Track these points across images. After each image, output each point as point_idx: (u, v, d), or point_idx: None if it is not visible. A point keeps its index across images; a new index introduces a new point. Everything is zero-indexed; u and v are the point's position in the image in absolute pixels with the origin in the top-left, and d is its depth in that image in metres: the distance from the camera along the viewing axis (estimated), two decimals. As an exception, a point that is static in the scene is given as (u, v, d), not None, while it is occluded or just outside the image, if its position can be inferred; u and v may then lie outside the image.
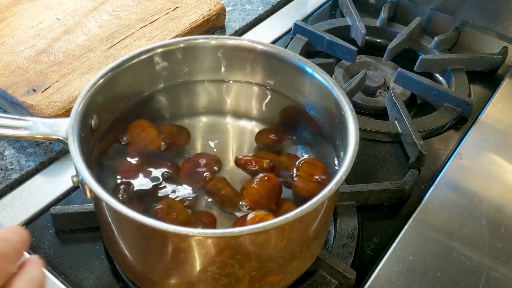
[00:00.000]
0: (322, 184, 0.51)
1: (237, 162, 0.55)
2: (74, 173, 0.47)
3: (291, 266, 0.50)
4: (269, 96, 0.61)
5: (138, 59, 0.55)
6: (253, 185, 0.51)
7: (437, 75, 0.86)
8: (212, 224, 0.50)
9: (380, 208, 0.64)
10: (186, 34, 0.79)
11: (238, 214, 0.51)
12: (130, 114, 0.57)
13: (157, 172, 0.53)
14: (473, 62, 0.85)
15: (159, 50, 0.57)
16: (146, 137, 0.55)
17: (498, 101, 0.79)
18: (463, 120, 0.77)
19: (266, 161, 0.54)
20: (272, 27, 0.91)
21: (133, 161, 0.54)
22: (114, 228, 0.47)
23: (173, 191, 0.52)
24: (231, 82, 0.62)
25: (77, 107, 0.49)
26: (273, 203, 0.50)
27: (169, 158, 0.55)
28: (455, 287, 0.55)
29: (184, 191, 0.52)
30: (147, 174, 0.53)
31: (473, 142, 0.72)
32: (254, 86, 0.62)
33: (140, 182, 0.52)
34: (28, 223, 0.59)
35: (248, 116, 0.62)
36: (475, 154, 0.71)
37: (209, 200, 0.52)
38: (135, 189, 0.52)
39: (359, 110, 0.79)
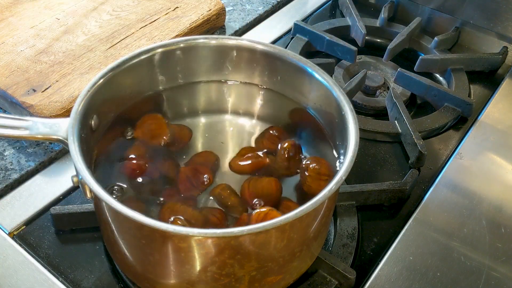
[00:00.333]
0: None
1: (231, 167, 0.55)
2: (74, 173, 0.47)
3: (291, 266, 0.50)
4: (269, 96, 0.61)
5: (138, 59, 0.55)
6: (250, 186, 0.51)
7: (437, 75, 0.86)
8: (223, 220, 0.50)
9: (380, 208, 0.64)
10: (186, 34, 0.79)
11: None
12: (130, 114, 0.57)
13: (158, 171, 0.53)
14: (473, 62, 0.85)
15: (159, 50, 0.57)
16: (156, 129, 0.56)
17: (498, 101, 0.79)
18: (463, 120, 0.77)
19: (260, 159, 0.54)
20: (272, 27, 0.91)
21: (136, 156, 0.54)
22: (114, 228, 0.47)
23: (174, 192, 0.52)
24: (231, 82, 0.62)
25: (77, 107, 0.49)
26: (271, 202, 0.51)
27: (170, 157, 0.55)
28: (455, 287, 0.55)
29: (185, 192, 0.52)
30: (149, 173, 0.53)
31: (473, 142, 0.72)
32: (253, 86, 0.62)
33: (142, 181, 0.53)
34: (28, 223, 0.59)
35: (247, 117, 0.62)
36: (475, 154, 0.71)
37: (211, 198, 0.52)
38: (137, 186, 0.52)
39: (359, 110, 0.79)
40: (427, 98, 0.79)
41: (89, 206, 0.58)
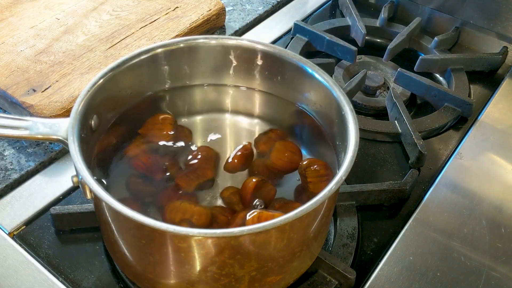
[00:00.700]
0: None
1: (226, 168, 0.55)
2: (74, 173, 0.47)
3: (291, 266, 0.50)
4: (269, 97, 0.61)
5: (138, 59, 0.55)
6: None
7: (437, 75, 0.86)
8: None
9: (380, 208, 0.64)
10: (186, 34, 0.79)
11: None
12: (130, 114, 0.57)
13: (159, 170, 0.53)
14: (473, 62, 0.85)
15: (159, 50, 0.57)
16: (162, 129, 0.56)
17: (498, 101, 0.79)
18: (463, 120, 0.77)
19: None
20: (272, 27, 0.91)
21: (138, 153, 0.54)
22: (114, 228, 0.47)
23: (175, 190, 0.52)
24: (230, 82, 0.62)
25: (77, 107, 0.49)
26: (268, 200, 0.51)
27: (171, 157, 0.55)
28: (455, 287, 0.55)
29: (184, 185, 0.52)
30: (150, 171, 0.53)
31: (473, 142, 0.72)
32: (253, 87, 0.62)
33: (142, 180, 0.53)
34: (28, 223, 0.59)
35: (247, 117, 0.62)
36: (475, 154, 0.71)
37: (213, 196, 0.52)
38: (137, 185, 0.52)
39: (359, 110, 0.79)
40: (427, 98, 0.79)
41: (89, 206, 0.58)
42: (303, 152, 0.57)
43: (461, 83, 0.81)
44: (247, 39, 0.59)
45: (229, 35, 0.87)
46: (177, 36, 0.78)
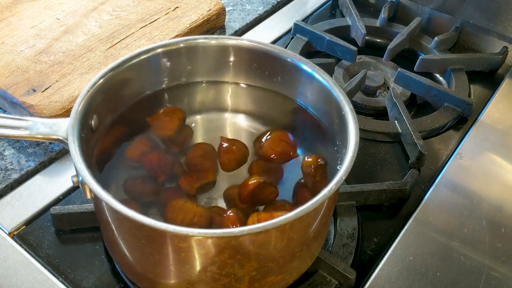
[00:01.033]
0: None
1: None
2: (74, 173, 0.47)
3: (291, 266, 0.50)
4: (269, 96, 0.61)
5: (138, 59, 0.55)
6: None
7: (437, 75, 0.86)
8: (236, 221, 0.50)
9: (380, 208, 0.64)
10: (186, 34, 0.79)
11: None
12: (130, 114, 0.57)
13: (163, 169, 0.53)
14: (473, 62, 0.85)
15: (159, 50, 0.57)
16: (169, 121, 0.56)
17: (498, 101, 0.79)
18: (463, 120, 0.77)
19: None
20: (272, 27, 0.91)
21: (143, 148, 0.55)
22: (114, 228, 0.47)
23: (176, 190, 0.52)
24: (231, 82, 0.62)
25: (77, 107, 0.49)
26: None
27: (174, 155, 0.55)
28: (455, 287, 0.55)
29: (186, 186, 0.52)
30: (152, 168, 0.53)
31: (473, 142, 0.72)
32: (253, 86, 0.62)
33: (142, 179, 0.53)
34: (28, 223, 0.59)
35: (247, 116, 0.62)
36: (475, 154, 0.71)
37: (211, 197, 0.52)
38: (138, 184, 0.52)
39: (359, 110, 0.79)
40: (427, 98, 0.79)
41: (89, 206, 0.58)
42: (303, 151, 0.57)
43: (461, 83, 0.81)
44: (247, 39, 0.59)
45: (229, 35, 0.87)
46: (177, 36, 0.78)
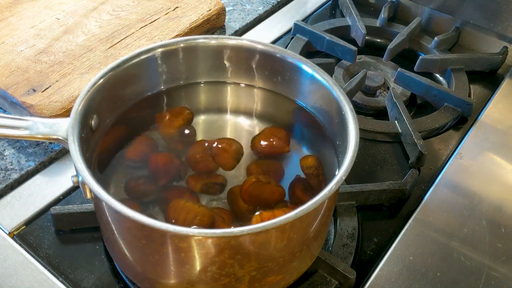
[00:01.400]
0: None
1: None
2: (74, 173, 0.47)
3: (291, 266, 0.50)
4: (269, 96, 0.61)
5: (138, 59, 0.55)
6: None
7: (437, 75, 0.86)
8: (229, 221, 0.50)
9: (380, 208, 0.64)
10: (186, 34, 0.79)
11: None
12: (130, 114, 0.57)
13: (167, 170, 0.53)
14: (473, 62, 0.85)
15: (159, 50, 0.57)
16: (176, 121, 0.57)
17: (498, 101, 0.79)
18: (463, 120, 0.77)
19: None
20: (272, 27, 0.91)
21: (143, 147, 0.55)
22: (114, 228, 0.47)
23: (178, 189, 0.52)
24: (230, 82, 0.62)
25: (77, 107, 0.49)
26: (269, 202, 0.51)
27: (179, 158, 0.55)
28: (455, 287, 0.55)
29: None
30: (158, 169, 0.53)
31: (473, 142, 0.72)
32: (253, 87, 0.62)
33: (143, 177, 0.53)
34: (28, 223, 0.59)
35: (247, 117, 0.62)
36: (475, 154, 0.71)
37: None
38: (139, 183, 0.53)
39: (359, 110, 0.79)
40: (427, 98, 0.79)
41: (89, 206, 0.58)
42: (303, 151, 0.57)
43: (461, 83, 0.81)
44: (247, 39, 0.59)
45: (229, 35, 0.87)
46: (177, 36, 0.78)
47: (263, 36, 0.89)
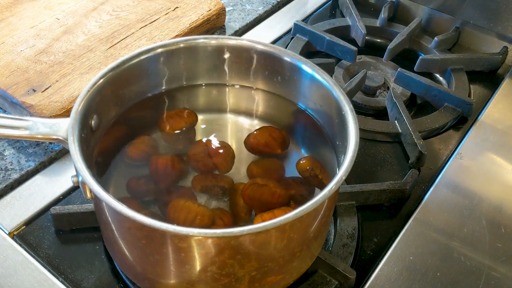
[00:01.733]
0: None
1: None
2: (74, 173, 0.47)
3: (291, 266, 0.50)
4: (269, 97, 0.61)
5: (138, 59, 0.55)
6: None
7: (437, 75, 0.86)
8: (229, 223, 0.50)
9: (380, 208, 0.64)
10: (186, 34, 0.79)
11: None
12: (130, 114, 0.57)
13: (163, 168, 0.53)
14: (473, 62, 0.85)
15: (159, 50, 0.57)
16: (180, 122, 0.58)
17: (498, 101, 0.79)
18: (463, 120, 0.77)
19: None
20: (272, 27, 0.91)
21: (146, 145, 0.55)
22: (114, 228, 0.47)
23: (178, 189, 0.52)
24: (230, 82, 0.62)
25: (77, 107, 0.49)
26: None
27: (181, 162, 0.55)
28: (455, 287, 0.55)
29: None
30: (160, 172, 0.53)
31: (473, 142, 0.72)
32: (253, 87, 0.62)
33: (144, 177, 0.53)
34: (28, 223, 0.59)
35: (247, 117, 0.62)
36: (475, 154, 0.71)
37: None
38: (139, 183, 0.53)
39: (359, 110, 0.79)
40: (427, 98, 0.79)
41: (89, 206, 0.58)
42: (303, 151, 0.57)
43: (461, 83, 0.81)
44: (247, 39, 0.59)
45: (229, 35, 0.87)
46: (177, 36, 0.78)
47: (263, 36, 0.89)
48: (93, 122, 0.52)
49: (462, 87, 0.80)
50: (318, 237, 0.51)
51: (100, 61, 0.72)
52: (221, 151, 0.55)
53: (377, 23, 0.91)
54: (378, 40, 0.91)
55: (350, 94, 0.76)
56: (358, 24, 0.87)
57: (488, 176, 0.68)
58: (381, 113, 0.79)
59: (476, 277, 0.56)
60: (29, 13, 0.80)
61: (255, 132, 0.57)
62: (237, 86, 0.62)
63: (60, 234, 0.59)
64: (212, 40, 0.59)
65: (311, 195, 0.53)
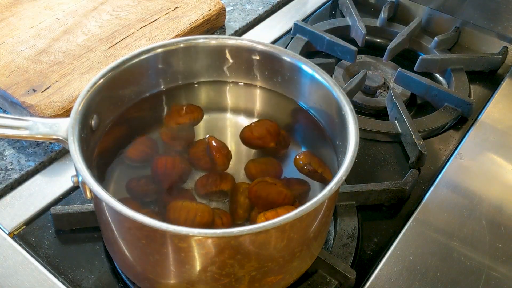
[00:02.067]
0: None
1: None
2: (74, 173, 0.47)
3: (291, 266, 0.50)
4: (269, 96, 0.61)
5: (138, 59, 0.55)
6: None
7: (437, 75, 0.86)
8: (228, 224, 0.50)
9: (380, 208, 0.64)
10: (186, 34, 0.79)
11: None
12: (130, 114, 0.57)
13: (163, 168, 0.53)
14: (473, 62, 0.85)
15: (159, 50, 0.57)
16: (179, 117, 0.58)
17: (498, 101, 0.79)
18: (463, 120, 0.77)
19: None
20: (272, 27, 0.91)
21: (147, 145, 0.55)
22: (114, 228, 0.47)
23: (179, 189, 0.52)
24: (230, 82, 0.62)
25: (77, 107, 0.49)
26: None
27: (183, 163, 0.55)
28: (455, 287, 0.55)
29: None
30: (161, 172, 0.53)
31: (473, 142, 0.72)
32: (253, 86, 0.62)
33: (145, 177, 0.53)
34: (28, 223, 0.59)
35: (247, 116, 0.62)
36: (475, 154, 0.71)
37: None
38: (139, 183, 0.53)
39: (359, 110, 0.79)
40: (427, 98, 0.79)
41: (89, 206, 0.58)
42: (303, 150, 0.56)
43: (461, 83, 0.81)
44: (247, 39, 0.59)
45: (229, 35, 0.87)
46: (177, 36, 0.78)
47: (263, 36, 0.89)
48: (93, 122, 0.52)
49: (462, 87, 0.80)
50: (318, 237, 0.51)
51: (100, 61, 0.72)
52: (220, 149, 0.55)
53: (377, 23, 0.91)
54: (378, 40, 0.91)
55: (350, 94, 0.76)
56: (358, 24, 0.87)
57: (488, 176, 0.68)
58: (381, 113, 0.79)
59: (476, 277, 0.56)
60: (29, 13, 0.80)
61: (251, 125, 0.57)
62: (237, 86, 0.62)
63: (60, 234, 0.59)
64: (212, 40, 0.59)
65: (309, 195, 0.53)
